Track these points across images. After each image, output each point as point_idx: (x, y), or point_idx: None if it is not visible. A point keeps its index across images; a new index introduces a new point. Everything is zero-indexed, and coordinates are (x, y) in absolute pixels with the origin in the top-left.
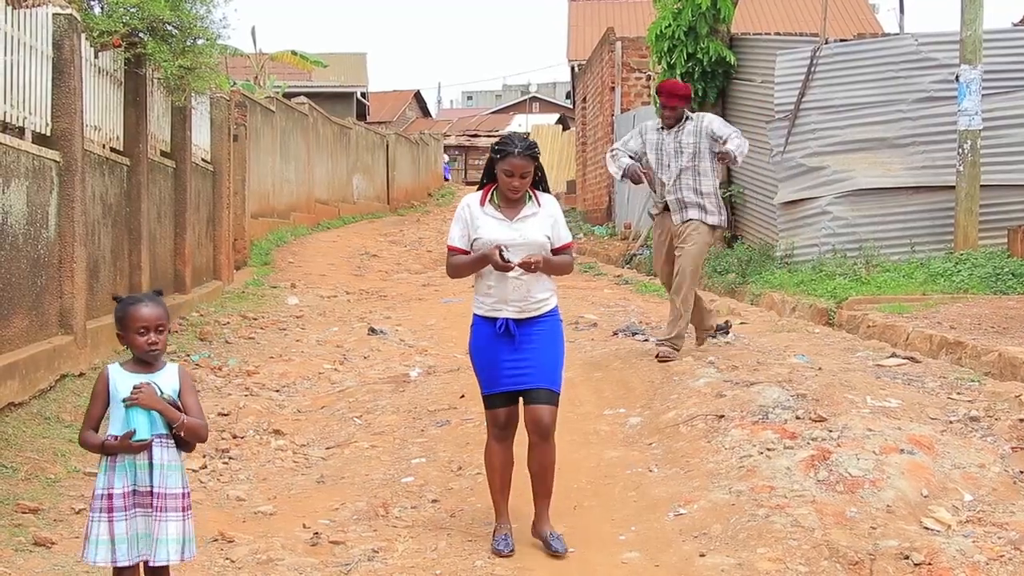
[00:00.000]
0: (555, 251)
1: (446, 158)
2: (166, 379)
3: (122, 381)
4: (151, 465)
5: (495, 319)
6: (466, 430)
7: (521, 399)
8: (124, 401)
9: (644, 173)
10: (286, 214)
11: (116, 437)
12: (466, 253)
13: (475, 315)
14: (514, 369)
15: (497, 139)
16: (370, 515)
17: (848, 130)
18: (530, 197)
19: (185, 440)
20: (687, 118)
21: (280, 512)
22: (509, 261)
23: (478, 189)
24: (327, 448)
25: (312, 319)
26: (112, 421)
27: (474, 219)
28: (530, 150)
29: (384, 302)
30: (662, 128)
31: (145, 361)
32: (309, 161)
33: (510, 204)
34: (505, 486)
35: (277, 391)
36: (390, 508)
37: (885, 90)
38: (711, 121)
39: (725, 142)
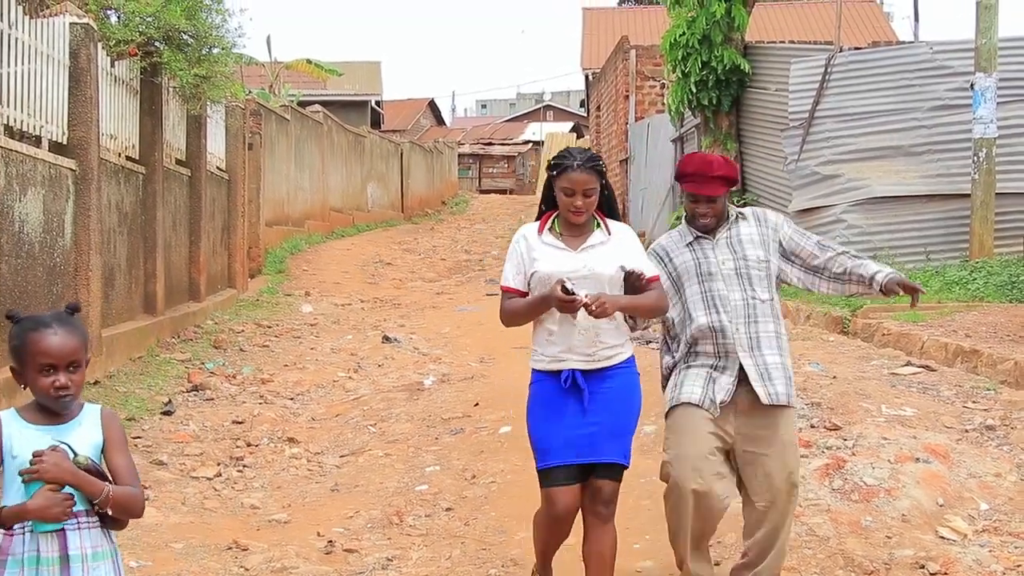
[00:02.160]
0: (639, 287)
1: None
2: (83, 433)
3: (20, 437)
4: (65, 559)
5: (559, 372)
6: (480, 438)
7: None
8: (21, 475)
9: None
10: (300, 222)
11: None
12: (523, 295)
13: (534, 370)
14: (580, 436)
15: (555, 155)
16: (384, 523)
17: (863, 138)
18: (598, 224)
19: (114, 518)
20: (738, 216)
21: (294, 520)
22: (575, 295)
23: (536, 219)
24: (341, 456)
25: (326, 327)
26: (6, 487)
27: (531, 251)
28: (593, 163)
29: (398, 310)
30: (695, 240)
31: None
32: (323, 169)
33: (573, 231)
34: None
35: (291, 399)
36: (404, 516)
37: (900, 98)
38: (778, 222)
39: (813, 261)
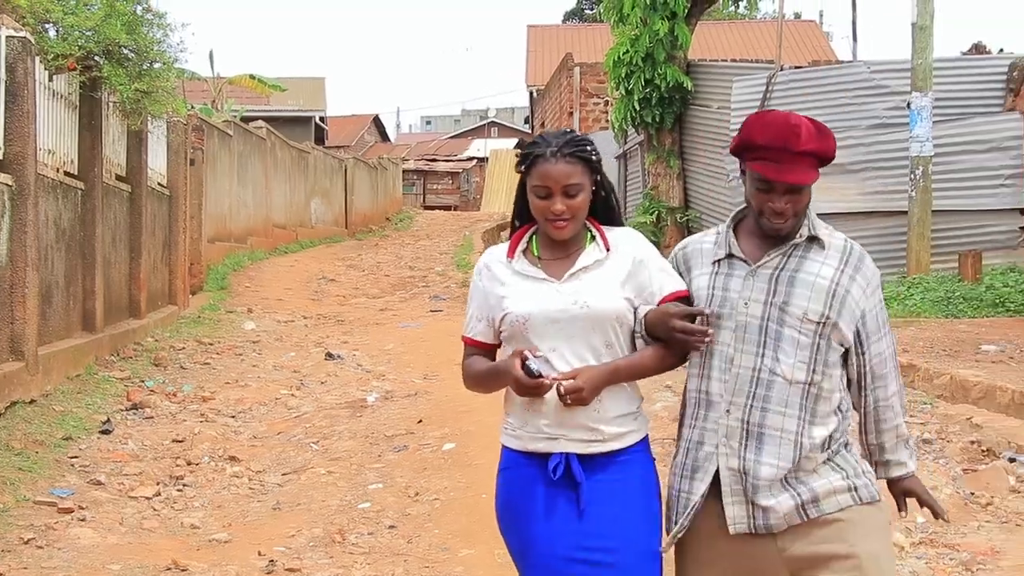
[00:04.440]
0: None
1: None
2: None
3: None
4: None
5: (544, 455)
6: (424, 455)
7: None
8: None
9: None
10: (243, 238)
11: None
12: (489, 349)
13: (504, 448)
14: (578, 559)
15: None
16: (326, 542)
17: None
18: (591, 236)
19: None
20: (812, 239)
21: (235, 539)
22: (541, 376)
23: (510, 235)
24: (283, 474)
25: (269, 344)
26: None
27: (497, 285)
28: (576, 148)
29: (342, 327)
30: (728, 258)
31: None
32: (267, 185)
33: (557, 251)
34: None
35: (233, 417)
36: (347, 535)
37: (839, 116)
38: (873, 281)
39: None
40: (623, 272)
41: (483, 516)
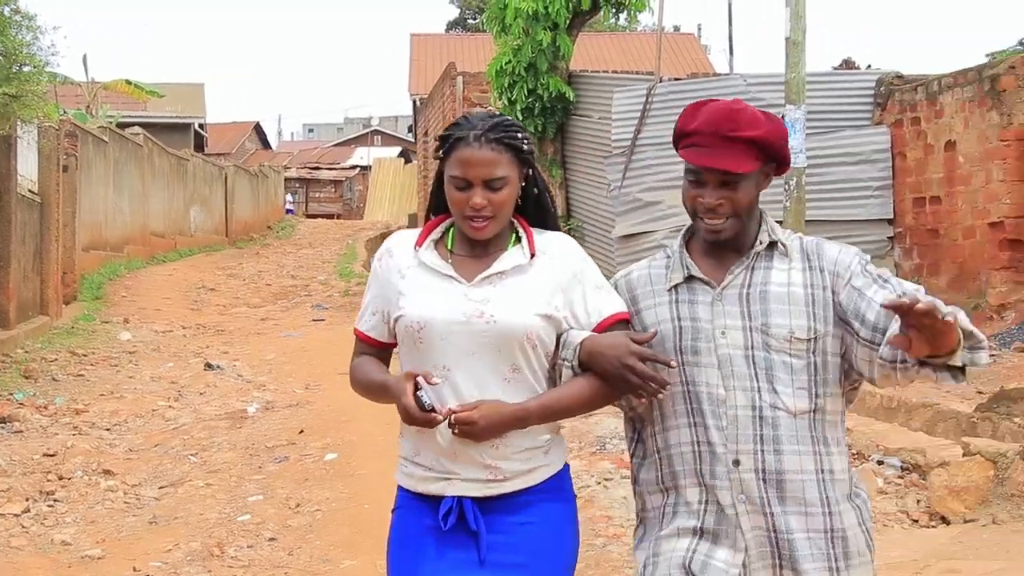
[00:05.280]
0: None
1: (289, 197)
2: None
3: None
4: None
5: (437, 498)
6: (305, 466)
7: None
8: None
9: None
10: (120, 247)
11: None
12: (383, 348)
13: (399, 488)
14: None
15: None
16: (204, 555)
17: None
18: (516, 236)
19: None
20: (773, 245)
21: (109, 555)
22: (431, 410)
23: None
24: (160, 487)
25: (146, 355)
26: None
27: (397, 276)
28: (504, 132)
29: (222, 337)
30: (686, 283)
31: None
32: (144, 193)
33: (475, 249)
34: None
35: (108, 430)
36: (225, 548)
37: None
38: (846, 262)
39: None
40: (549, 284)
41: (365, 527)
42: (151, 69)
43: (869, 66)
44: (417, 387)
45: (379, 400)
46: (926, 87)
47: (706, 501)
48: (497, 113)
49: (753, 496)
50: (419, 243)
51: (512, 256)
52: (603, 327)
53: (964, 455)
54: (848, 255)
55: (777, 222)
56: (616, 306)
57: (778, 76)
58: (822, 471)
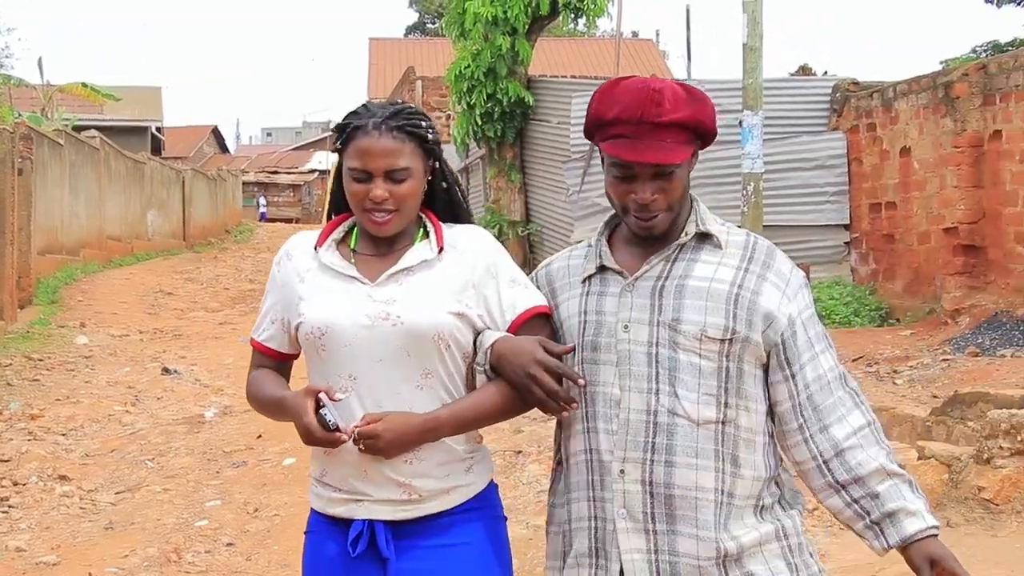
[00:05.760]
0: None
1: (263, 200)
2: None
3: None
4: None
5: (347, 521)
6: (263, 471)
7: None
8: None
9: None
10: (76, 251)
11: None
12: (282, 360)
13: (311, 511)
14: None
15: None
16: (161, 561)
17: None
18: (423, 231)
19: None
20: (700, 236)
21: (65, 562)
22: (335, 428)
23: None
24: (117, 493)
25: (102, 359)
26: None
27: (297, 279)
28: (406, 120)
29: (179, 341)
30: (599, 273)
31: None
32: (100, 196)
33: (378, 246)
34: None
35: (63, 435)
36: (183, 553)
37: None
38: (793, 282)
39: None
40: (460, 279)
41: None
42: (108, 72)
43: (825, 72)
44: (319, 404)
45: (277, 418)
46: (881, 94)
47: (594, 517)
48: (399, 102)
49: (636, 512)
50: (319, 244)
51: (419, 251)
52: (520, 323)
53: (919, 459)
54: (796, 276)
55: (738, 228)
56: (533, 300)
57: (736, 82)
58: (722, 492)
